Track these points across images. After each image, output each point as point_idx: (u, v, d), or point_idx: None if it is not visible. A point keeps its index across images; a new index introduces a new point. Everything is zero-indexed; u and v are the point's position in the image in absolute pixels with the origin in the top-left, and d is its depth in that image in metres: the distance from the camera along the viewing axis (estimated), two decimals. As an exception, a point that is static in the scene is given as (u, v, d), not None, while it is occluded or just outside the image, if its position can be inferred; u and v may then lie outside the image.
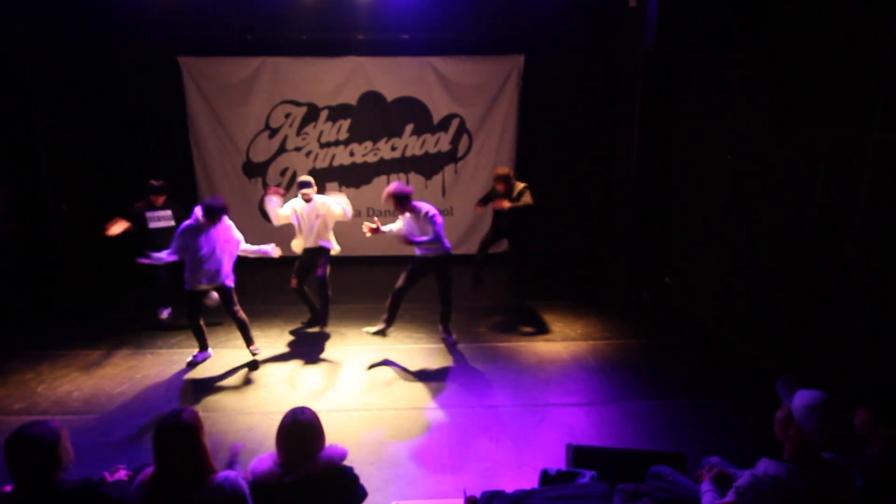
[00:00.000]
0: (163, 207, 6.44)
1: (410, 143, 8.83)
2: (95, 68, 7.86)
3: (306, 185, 6.15)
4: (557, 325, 6.68)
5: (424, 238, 5.64)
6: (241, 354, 5.81)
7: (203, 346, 5.73)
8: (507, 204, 6.43)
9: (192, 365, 5.61)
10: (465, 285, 7.46)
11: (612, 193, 8.15)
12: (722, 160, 6.24)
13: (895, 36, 4.16)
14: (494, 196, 6.66)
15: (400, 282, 5.92)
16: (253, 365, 5.62)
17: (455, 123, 8.79)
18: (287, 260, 8.22)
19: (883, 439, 2.80)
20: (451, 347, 6.01)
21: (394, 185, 5.72)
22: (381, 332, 5.97)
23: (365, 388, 5.23)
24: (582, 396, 5.07)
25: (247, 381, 5.34)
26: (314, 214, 6.20)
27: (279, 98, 8.56)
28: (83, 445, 4.21)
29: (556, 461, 3.94)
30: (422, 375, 5.46)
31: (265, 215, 8.83)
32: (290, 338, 6.30)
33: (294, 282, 6.46)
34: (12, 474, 2.40)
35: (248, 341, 5.66)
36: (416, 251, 5.84)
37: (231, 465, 2.93)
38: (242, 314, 5.62)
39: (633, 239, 7.58)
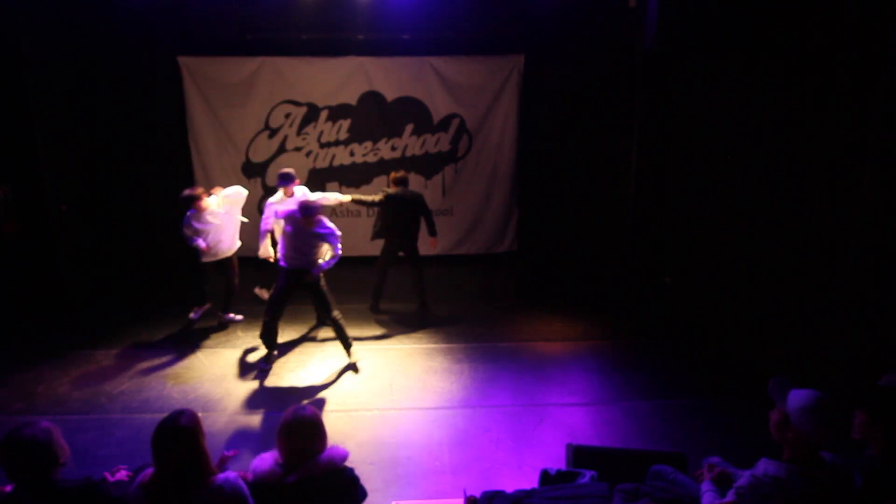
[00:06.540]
0: None
1: (410, 143, 8.82)
2: (95, 68, 7.86)
3: (287, 178, 6.32)
4: (557, 325, 6.68)
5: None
6: (240, 354, 5.83)
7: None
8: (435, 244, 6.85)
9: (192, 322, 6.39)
10: (467, 286, 7.48)
11: (613, 193, 8.14)
12: (722, 160, 6.24)
13: (894, 35, 4.16)
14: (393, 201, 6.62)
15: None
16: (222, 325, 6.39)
17: (455, 123, 8.79)
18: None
19: (881, 440, 2.80)
20: None
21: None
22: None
23: (365, 388, 5.23)
24: (582, 396, 5.08)
25: (247, 381, 5.34)
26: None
27: (279, 98, 8.54)
28: (83, 445, 4.22)
29: (556, 461, 3.95)
30: (422, 375, 5.46)
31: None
32: (291, 338, 6.30)
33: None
34: (11, 476, 2.40)
35: (226, 308, 6.44)
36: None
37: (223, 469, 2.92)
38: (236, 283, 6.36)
39: (634, 239, 7.58)
